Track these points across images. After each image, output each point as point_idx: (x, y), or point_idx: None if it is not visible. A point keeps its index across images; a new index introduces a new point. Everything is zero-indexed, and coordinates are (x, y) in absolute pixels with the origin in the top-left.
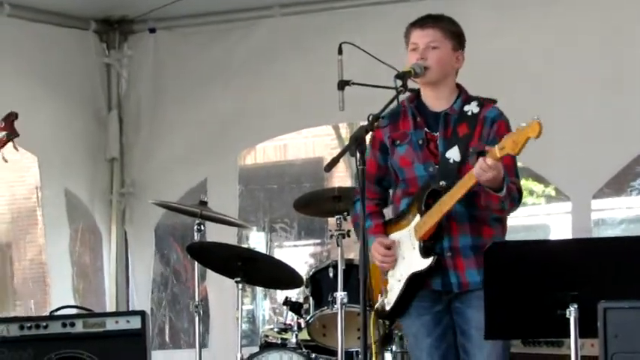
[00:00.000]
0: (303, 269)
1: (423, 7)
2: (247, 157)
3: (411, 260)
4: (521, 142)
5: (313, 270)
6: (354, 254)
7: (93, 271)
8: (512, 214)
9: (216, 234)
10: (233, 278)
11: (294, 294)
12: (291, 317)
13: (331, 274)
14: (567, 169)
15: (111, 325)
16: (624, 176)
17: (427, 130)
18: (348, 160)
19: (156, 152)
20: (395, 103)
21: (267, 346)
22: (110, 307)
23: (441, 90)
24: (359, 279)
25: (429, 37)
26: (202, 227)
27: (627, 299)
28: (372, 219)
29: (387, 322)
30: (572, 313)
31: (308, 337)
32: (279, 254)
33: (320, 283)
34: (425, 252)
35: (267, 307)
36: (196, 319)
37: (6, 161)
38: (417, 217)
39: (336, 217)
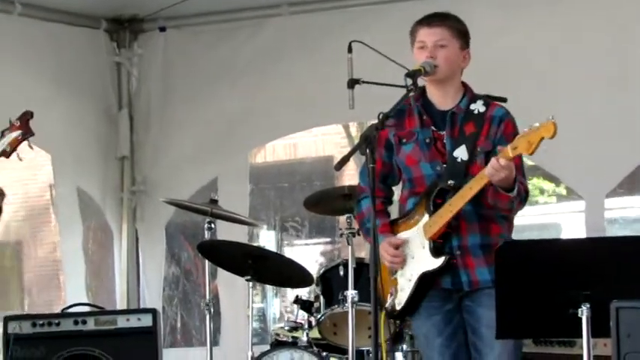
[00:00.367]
0: (313, 268)
1: (431, 6)
2: (257, 155)
3: (421, 260)
4: (535, 143)
5: (324, 268)
6: (364, 253)
7: (104, 269)
8: (523, 213)
9: (227, 232)
10: (243, 276)
11: (305, 292)
12: (301, 316)
13: (342, 273)
14: (580, 169)
15: (122, 322)
16: (638, 175)
17: (434, 129)
18: (358, 158)
19: (166, 150)
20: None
21: (277, 345)
22: (121, 305)
23: (447, 88)
24: (369, 277)
25: (436, 35)
26: (213, 225)
27: None
28: (378, 218)
29: (398, 321)
30: (584, 312)
31: (319, 336)
32: (289, 253)
33: (330, 282)
34: (436, 252)
35: (277, 305)
36: (207, 317)
37: (21, 160)
38: (426, 217)
39: (347, 215)
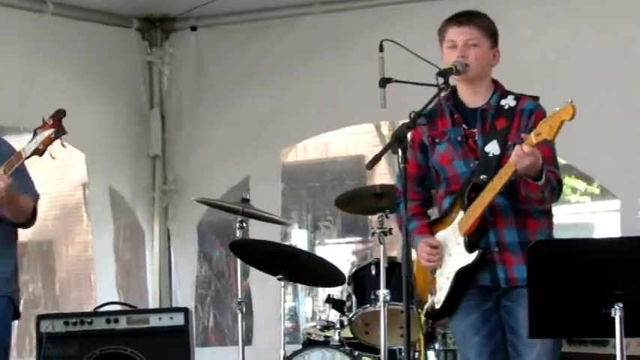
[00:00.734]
0: (345, 267)
1: (460, 4)
2: (289, 154)
3: (457, 256)
4: (556, 126)
5: (355, 267)
6: (396, 252)
7: (135, 268)
8: (554, 212)
9: (260, 232)
10: (275, 275)
11: (337, 291)
12: (333, 315)
13: (373, 272)
14: (615, 168)
15: (154, 321)
16: None
17: (465, 127)
18: (390, 157)
19: (198, 149)
20: (436, 101)
21: (309, 344)
22: (153, 304)
23: (478, 87)
24: (402, 276)
25: (467, 34)
26: (244, 224)
27: None
28: (416, 219)
29: (430, 321)
30: (617, 312)
31: (350, 335)
32: (321, 252)
33: (362, 281)
34: (470, 247)
35: (309, 304)
36: (239, 316)
37: (53, 158)
38: (461, 213)
39: (378, 214)
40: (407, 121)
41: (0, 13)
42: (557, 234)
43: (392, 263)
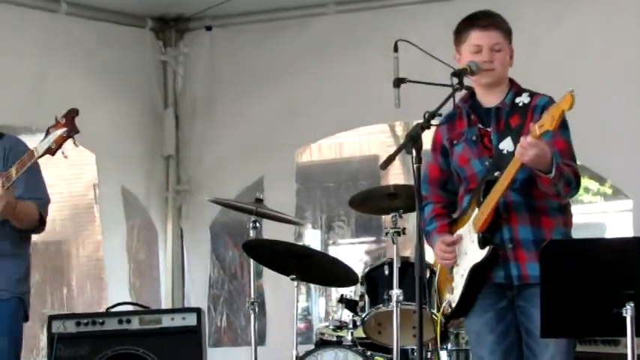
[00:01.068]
0: (358, 267)
1: (477, 4)
2: (303, 154)
3: (472, 254)
4: (557, 116)
5: (368, 267)
6: (409, 252)
7: (148, 268)
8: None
9: (273, 232)
10: (288, 275)
11: (350, 291)
12: (346, 315)
13: (386, 272)
14: (627, 168)
15: (167, 322)
16: None
17: (480, 126)
18: (404, 158)
19: (212, 149)
20: (450, 101)
21: (322, 344)
22: (166, 304)
23: (496, 88)
24: (414, 276)
25: (492, 38)
26: (258, 224)
27: None
28: (437, 220)
29: (443, 320)
30: (628, 311)
31: (363, 335)
32: (335, 252)
33: (375, 281)
34: (482, 243)
35: (322, 304)
36: (252, 316)
37: (66, 157)
38: (476, 211)
39: (392, 214)
40: (421, 121)
41: (13, 12)
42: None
43: (405, 263)
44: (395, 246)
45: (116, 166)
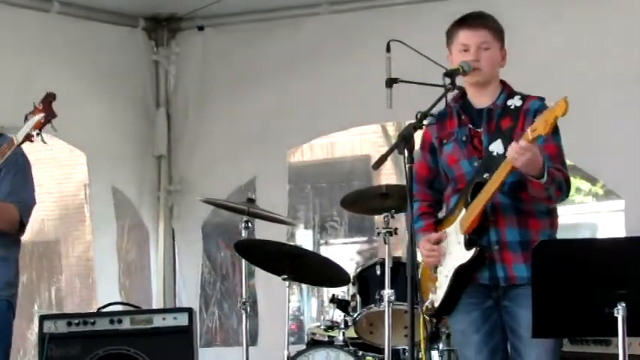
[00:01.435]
0: (350, 267)
1: (471, 4)
2: (295, 154)
3: (457, 254)
4: (550, 121)
5: (360, 267)
6: (401, 252)
7: (139, 268)
8: (559, 212)
9: (266, 232)
10: (280, 275)
11: (341, 292)
12: (338, 315)
13: (378, 272)
14: (619, 168)
15: (158, 322)
16: None
17: (471, 127)
18: (396, 158)
19: (204, 149)
20: (442, 101)
21: (314, 344)
22: (157, 304)
23: (486, 88)
24: (406, 276)
25: (480, 37)
26: (249, 224)
27: None
28: (423, 219)
29: (434, 320)
30: (620, 311)
31: (355, 335)
32: (327, 252)
33: (367, 281)
34: (468, 244)
35: (314, 304)
36: (243, 316)
37: (45, 143)
38: (463, 211)
39: (384, 214)
40: (413, 121)
41: (5, 11)
42: (561, 234)
43: (397, 263)
44: (387, 246)
45: (107, 166)
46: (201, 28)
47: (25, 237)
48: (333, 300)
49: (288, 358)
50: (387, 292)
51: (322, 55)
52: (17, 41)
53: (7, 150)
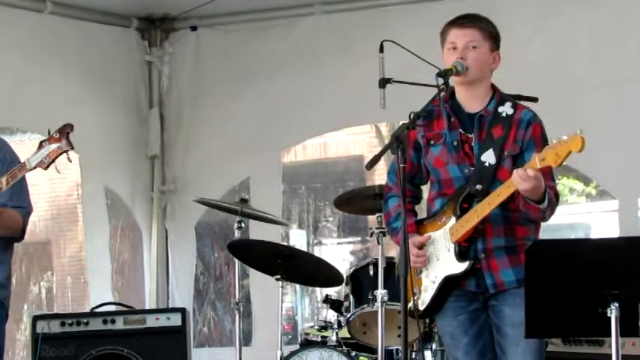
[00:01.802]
0: (343, 267)
1: (464, 5)
2: (288, 155)
3: (446, 262)
4: (563, 156)
5: (353, 268)
6: (394, 252)
7: (132, 269)
8: None
9: (260, 232)
10: (273, 276)
11: (335, 292)
12: (331, 315)
13: (371, 272)
14: (613, 169)
15: (151, 322)
16: None
17: (462, 132)
18: (389, 158)
19: (197, 149)
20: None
21: (307, 344)
22: (150, 304)
23: (476, 90)
24: (399, 276)
25: (468, 36)
26: (243, 225)
27: None
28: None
29: (427, 320)
30: (613, 311)
31: (348, 335)
32: (320, 252)
33: (360, 281)
34: (461, 256)
35: (307, 304)
36: (237, 316)
37: (59, 172)
38: (453, 220)
39: (377, 214)
40: (406, 121)
41: None
42: (554, 234)
43: (390, 263)
44: (380, 246)
45: (100, 166)
46: (194, 29)
47: None
48: (327, 300)
49: (281, 358)
50: (380, 292)
51: (315, 55)
52: (10, 41)
53: (19, 173)
